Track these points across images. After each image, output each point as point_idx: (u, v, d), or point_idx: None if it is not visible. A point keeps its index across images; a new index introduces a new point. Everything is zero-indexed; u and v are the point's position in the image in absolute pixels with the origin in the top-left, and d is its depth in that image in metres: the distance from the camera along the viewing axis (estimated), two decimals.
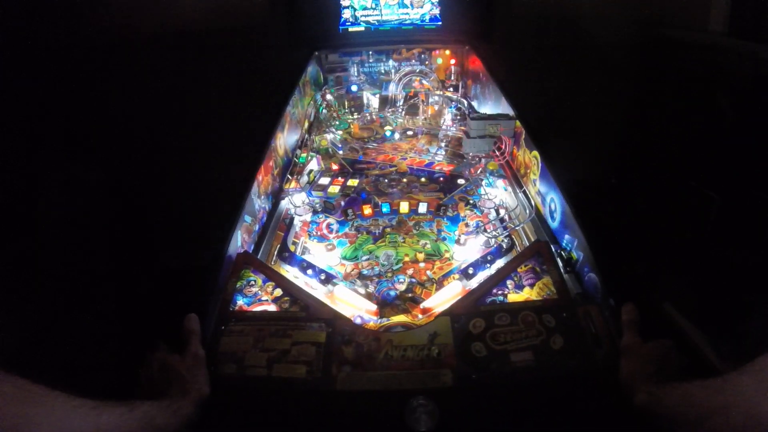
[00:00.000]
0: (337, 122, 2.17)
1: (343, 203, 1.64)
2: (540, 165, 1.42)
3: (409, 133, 2.13)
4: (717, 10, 2.26)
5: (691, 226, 2.13)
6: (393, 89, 2.23)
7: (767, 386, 0.65)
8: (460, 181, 1.75)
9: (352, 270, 1.39)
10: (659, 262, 2.31)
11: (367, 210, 1.62)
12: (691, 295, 2.06)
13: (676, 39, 2.38)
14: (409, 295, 1.29)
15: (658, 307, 2.15)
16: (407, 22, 2.21)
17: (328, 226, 1.56)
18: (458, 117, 2.10)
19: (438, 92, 2.19)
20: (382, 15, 2.20)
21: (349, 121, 2.21)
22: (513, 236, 1.42)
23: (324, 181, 1.77)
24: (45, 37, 2.46)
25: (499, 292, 1.11)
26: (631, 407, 0.81)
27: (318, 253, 1.46)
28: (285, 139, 1.72)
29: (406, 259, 1.42)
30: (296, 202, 1.61)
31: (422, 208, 1.63)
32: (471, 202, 1.65)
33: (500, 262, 1.31)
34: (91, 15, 2.48)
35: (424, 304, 1.22)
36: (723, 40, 2.20)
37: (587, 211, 1.22)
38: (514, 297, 1.10)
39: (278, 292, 1.13)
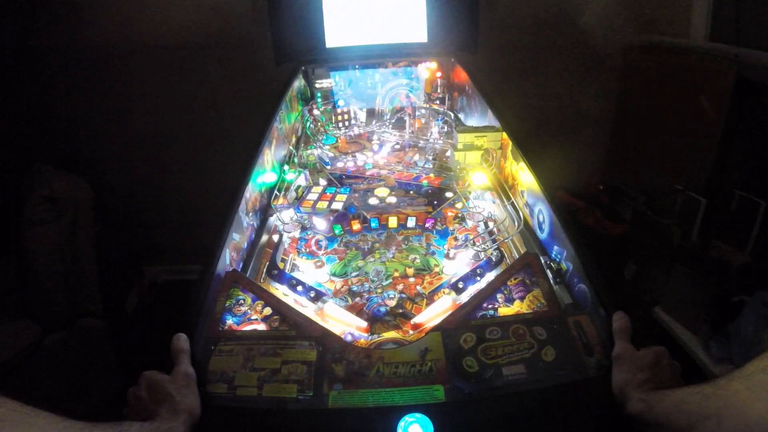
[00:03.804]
0: (324, 137, 2.17)
1: (331, 218, 1.64)
2: (527, 176, 1.43)
3: (396, 146, 2.13)
4: (698, 17, 2.30)
5: (678, 229, 2.15)
6: (380, 103, 2.23)
7: (758, 391, 0.66)
8: (448, 194, 1.75)
9: (342, 286, 1.39)
10: (648, 266, 2.32)
11: (356, 225, 1.62)
12: (680, 298, 2.08)
13: (660, 44, 2.41)
14: (400, 310, 1.29)
15: (649, 312, 2.17)
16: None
17: (317, 242, 1.55)
18: (445, 130, 2.11)
19: (424, 105, 2.20)
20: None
21: (336, 135, 2.21)
22: (502, 249, 1.43)
23: (312, 196, 1.77)
24: (36, 47, 2.46)
25: (490, 306, 1.11)
26: (624, 415, 0.81)
27: (307, 270, 1.45)
28: (272, 155, 1.71)
29: (396, 274, 1.42)
30: (284, 218, 1.60)
31: (411, 222, 1.63)
32: (459, 215, 1.65)
33: (490, 275, 1.31)
34: (81, 27, 2.48)
35: (415, 320, 1.21)
36: (706, 44, 2.24)
37: (575, 221, 1.23)
38: (504, 310, 1.10)
39: (268, 310, 1.12)
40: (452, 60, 2.27)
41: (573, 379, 0.91)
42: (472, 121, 2.02)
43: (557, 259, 1.25)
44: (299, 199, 1.73)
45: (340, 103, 2.27)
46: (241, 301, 1.15)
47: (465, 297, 1.26)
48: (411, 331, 1.20)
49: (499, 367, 0.92)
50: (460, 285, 1.29)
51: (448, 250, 1.48)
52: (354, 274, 1.44)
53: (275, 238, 1.52)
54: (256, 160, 1.51)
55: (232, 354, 0.98)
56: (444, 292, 1.32)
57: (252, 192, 1.46)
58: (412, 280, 1.40)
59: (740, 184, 2.01)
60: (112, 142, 2.74)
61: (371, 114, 2.30)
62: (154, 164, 2.80)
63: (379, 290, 1.36)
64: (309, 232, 1.61)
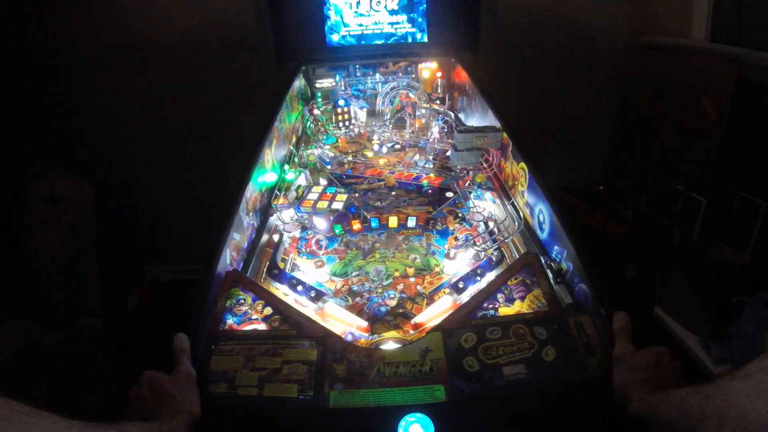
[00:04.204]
0: (325, 137, 2.17)
1: (332, 218, 1.64)
2: (528, 176, 1.42)
3: (397, 146, 2.13)
4: (698, 17, 2.30)
5: (679, 229, 2.15)
6: (380, 103, 2.23)
7: (759, 391, 0.65)
8: (449, 194, 1.75)
9: (342, 286, 1.39)
10: (649, 266, 2.33)
11: (356, 225, 1.62)
12: (681, 298, 2.08)
13: (660, 45, 2.41)
14: (400, 310, 1.29)
15: (650, 312, 2.17)
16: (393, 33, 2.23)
17: (317, 242, 1.55)
18: (445, 130, 2.11)
19: (425, 105, 2.20)
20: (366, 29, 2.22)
21: (336, 135, 2.21)
22: (502, 249, 1.43)
23: (312, 196, 1.77)
24: (36, 47, 2.46)
25: (490, 306, 1.11)
26: (625, 416, 0.81)
27: (307, 270, 1.45)
28: (273, 155, 1.71)
29: (396, 274, 1.42)
30: (285, 218, 1.60)
31: (411, 222, 1.63)
32: (460, 215, 1.65)
33: (490, 275, 1.31)
34: (81, 27, 2.47)
35: (416, 320, 1.21)
36: (707, 45, 2.24)
37: (575, 221, 1.22)
38: (505, 310, 1.10)
39: (268, 310, 1.12)
40: (452, 60, 2.27)
41: (574, 379, 0.91)
42: (473, 121, 2.02)
43: (558, 259, 1.24)
44: (299, 199, 1.73)
45: (340, 102, 2.27)
46: (242, 301, 1.14)
47: (465, 297, 1.26)
48: (411, 331, 1.20)
49: (500, 367, 0.92)
50: (461, 285, 1.29)
51: (449, 249, 1.48)
52: (354, 273, 1.44)
53: (275, 237, 1.53)
54: (256, 160, 1.51)
55: (233, 354, 0.98)
56: (444, 292, 1.31)
57: (252, 192, 1.46)
58: (412, 279, 1.40)
59: (741, 185, 2.01)
60: (112, 141, 2.74)
61: (371, 114, 2.30)
62: (155, 164, 2.80)
63: (380, 290, 1.36)
64: (309, 232, 1.61)
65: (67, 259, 2.17)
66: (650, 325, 2.18)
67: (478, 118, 1.94)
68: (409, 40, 2.23)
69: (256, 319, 1.11)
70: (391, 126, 2.20)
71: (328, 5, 2.15)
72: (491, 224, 1.54)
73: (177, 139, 2.73)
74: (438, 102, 2.27)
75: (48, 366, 2.07)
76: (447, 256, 1.47)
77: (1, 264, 2.20)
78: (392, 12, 2.17)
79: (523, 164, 1.46)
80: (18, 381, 1.94)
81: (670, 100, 2.34)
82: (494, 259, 1.37)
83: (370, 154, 2.10)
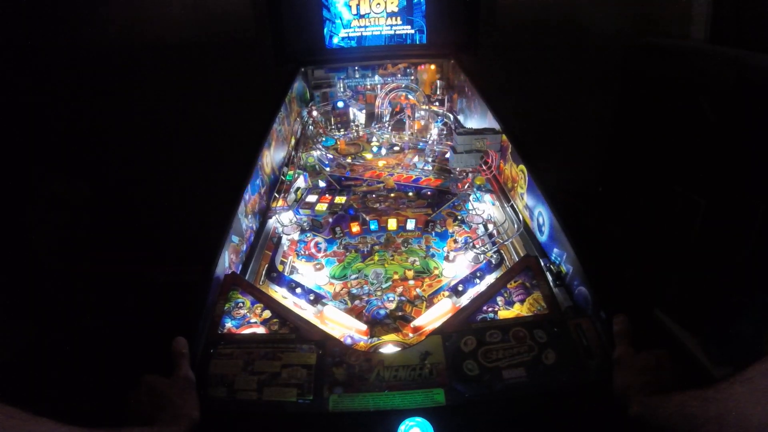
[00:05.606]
0: (324, 138, 2.17)
1: (330, 221, 1.64)
2: (527, 179, 1.42)
3: (396, 148, 2.13)
4: (698, 18, 2.30)
5: (678, 230, 2.15)
6: (379, 104, 2.23)
7: (759, 395, 0.65)
8: (448, 196, 1.75)
9: (341, 289, 1.38)
10: (648, 267, 2.32)
11: (355, 227, 1.61)
12: (681, 300, 2.08)
13: (660, 46, 2.41)
14: (400, 313, 1.29)
15: (650, 314, 2.16)
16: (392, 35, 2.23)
17: (316, 244, 1.55)
18: (445, 132, 2.10)
19: (424, 107, 2.20)
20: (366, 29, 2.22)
21: (335, 137, 2.20)
22: (502, 251, 1.42)
23: (311, 198, 1.77)
24: (36, 47, 2.46)
25: (490, 309, 1.11)
26: (625, 419, 0.81)
27: (306, 273, 1.45)
28: (272, 157, 1.71)
29: (396, 276, 1.41)
30: (284, 220, 1.60)
31: (410, 224, 1.63)
32: (459, 217, 1.65)
33: (490, 278, 1.31)
34: (82, 27, 2.47)
35: (415, 323, 1.21)
36: (706, 46, 2.23)
37: (575, 223, 1.22)
38: (504, 313, 1.10)
39: (267, 313, 1.12)
40: (452, 61, 2.27)
41: (574, 383, 0.91)
42: (472, 123, 2.02)
43: (557, 262, 1.24)
44: (298, 201, 1.73)
45: (339, 104, 2.27)
46: (240, 304, 1.14)
47: (465, 300, 1.26)
48: (411, 334, 1.20)
49: (500, 370, 0.92)
50: (460, 288, 1.29)
51: (448, 252, 1.48)
52: (353, 276, 1.43)
53: (274, 240, 1.52)
54: (255, 162, 1.51)
55: (232, 357, 0.98)
56: (444, 295, 1.31)
57: (251, 194, 1.45)
58: (411, 282, 1.40)
59: (741, 185, 2.01)
60: (112, 142, 2.74)
61: (371, 115, 2.29)
62: (154, 164, 2.79)
63: (379, 293, 1.36)
64: (308, 234, 1.60)
65: (66, 259, 2.17)
66: (650, 327, 2.17)
67: (478, 119, 1.94)
68: (408, 41, 2.23)
69: (255, 322, 1.11)
70: (390, 128, 2.20)
71: (327, 7, 2.14)
72: (490, 227, 1.54)
73: (175, 139, 2.72)
74: (437, 103, 2.27)
75: (47, 367, 2.06)
76: (446, 258, 1.47)
77: (0, 264, 2.20)
78: (391, 14, 2.17)
79: (522, 166, 1.46)
80: (17, 382, 1.93)
81: (670, 100, 2.34)
82: (494, 261, 1.37)
83: (369, 156, 2.09)
